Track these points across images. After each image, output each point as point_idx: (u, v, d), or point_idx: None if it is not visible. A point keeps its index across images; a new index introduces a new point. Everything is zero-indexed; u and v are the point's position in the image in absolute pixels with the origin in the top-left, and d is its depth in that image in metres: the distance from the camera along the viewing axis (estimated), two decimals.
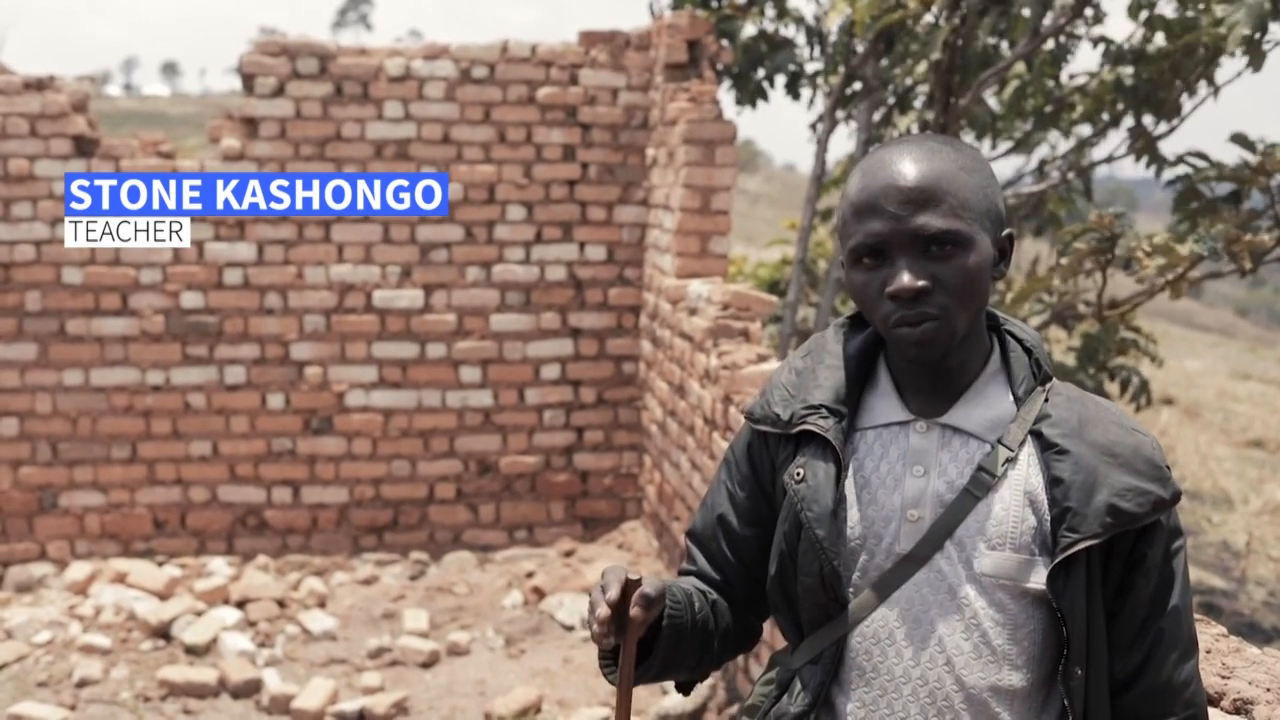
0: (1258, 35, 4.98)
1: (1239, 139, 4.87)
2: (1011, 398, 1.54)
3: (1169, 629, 1.46)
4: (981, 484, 1.48)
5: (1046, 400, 1.53)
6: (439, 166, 5.63)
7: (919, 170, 1.46)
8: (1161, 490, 1.45)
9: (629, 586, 1.47)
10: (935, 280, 1.45)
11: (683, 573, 1.75)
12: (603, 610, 1.44)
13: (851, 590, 1.54)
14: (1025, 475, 1.48)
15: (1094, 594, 1.45)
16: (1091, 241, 4.22)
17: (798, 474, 1.57)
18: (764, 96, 6.72)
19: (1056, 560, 1.43)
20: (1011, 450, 1.49)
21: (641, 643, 1.56)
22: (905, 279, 1.44)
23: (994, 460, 1.49)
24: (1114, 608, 1.47)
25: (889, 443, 1.56)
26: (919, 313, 1.45)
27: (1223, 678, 1.72)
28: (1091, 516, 1.43)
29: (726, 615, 1.69)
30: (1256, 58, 5.11)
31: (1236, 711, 1.66)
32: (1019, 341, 1.58)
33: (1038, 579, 1.45)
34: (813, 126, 6.88)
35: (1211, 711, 1.67)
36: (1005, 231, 1.54)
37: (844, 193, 1.54)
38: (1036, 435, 1.50)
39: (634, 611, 1.46)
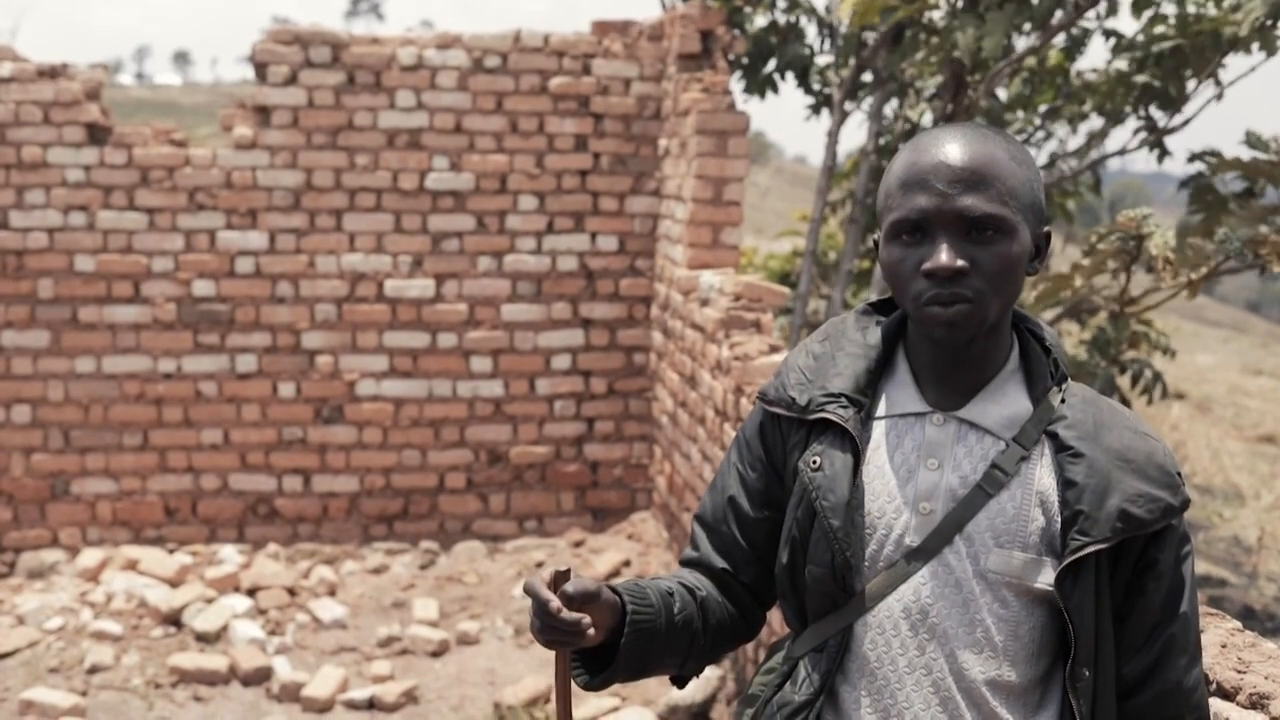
0: (1270, 23, 4.96)
1: (1252, 139, 4.85)
2: (1028, 396, 1.54)
3: (1179, 634, 1.47)
4: (995, 481, 1.48)
5: (1063, 401, 1.53)
6: (451, 156, 5.63)
7: (970, 152, 1.45)
8: (1172, 498, 1.46)
9: (556, 579, 1.47)
10: (973, 263, 1.44)
11: (685, 560, 1.74)
12: (558, 619, 1.44)
13: (860, 580, 1.54)
14: (1038, 475, 1.49)
15: (1102, 596, 1.46)
16: (1115, 243, 4.20)
17: (814, 461, 1.56)
18: (773, 87, 6.70)
19: (1065, 563, 1.43)
20: (1026, 450, 1.49)
21: (606, 646, 1.56)
22: (944, 257, 1.43)
23: (1009, 458, 1.49)
24: (1123, 611, 1.48)
25: (904, 433, 1.55)
26: (953, 293, 1.44)
27: (1239, 672, 1.71)
28: (1103, 521, 1.43)
29: (721, 610, 1.68)
30: (1269, 44, 5.09)
31: (1253, 706, 1.66)
32: (1038, 341, 1.58)
33: (1043, 579, 1.46)
34: (814, 109, 6.85)
35: (1227, 706, 1.68)
36: (1045, 228, 1.53)
37: (889, 169, 1.53)
38: (1051, 436, 1.50)
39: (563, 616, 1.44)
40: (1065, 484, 1.46)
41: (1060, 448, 1.48)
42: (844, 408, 1.56)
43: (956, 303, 1.44)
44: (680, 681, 1.70)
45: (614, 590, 1.55)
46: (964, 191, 1.44)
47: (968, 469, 1.50)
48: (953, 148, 1.46)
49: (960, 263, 1.43)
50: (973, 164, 1.44)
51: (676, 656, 1.63)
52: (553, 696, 1.51)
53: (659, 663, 1.62)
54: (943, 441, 1.52)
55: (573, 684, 1.56)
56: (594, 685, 1.59)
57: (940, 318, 1.45)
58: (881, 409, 1.59)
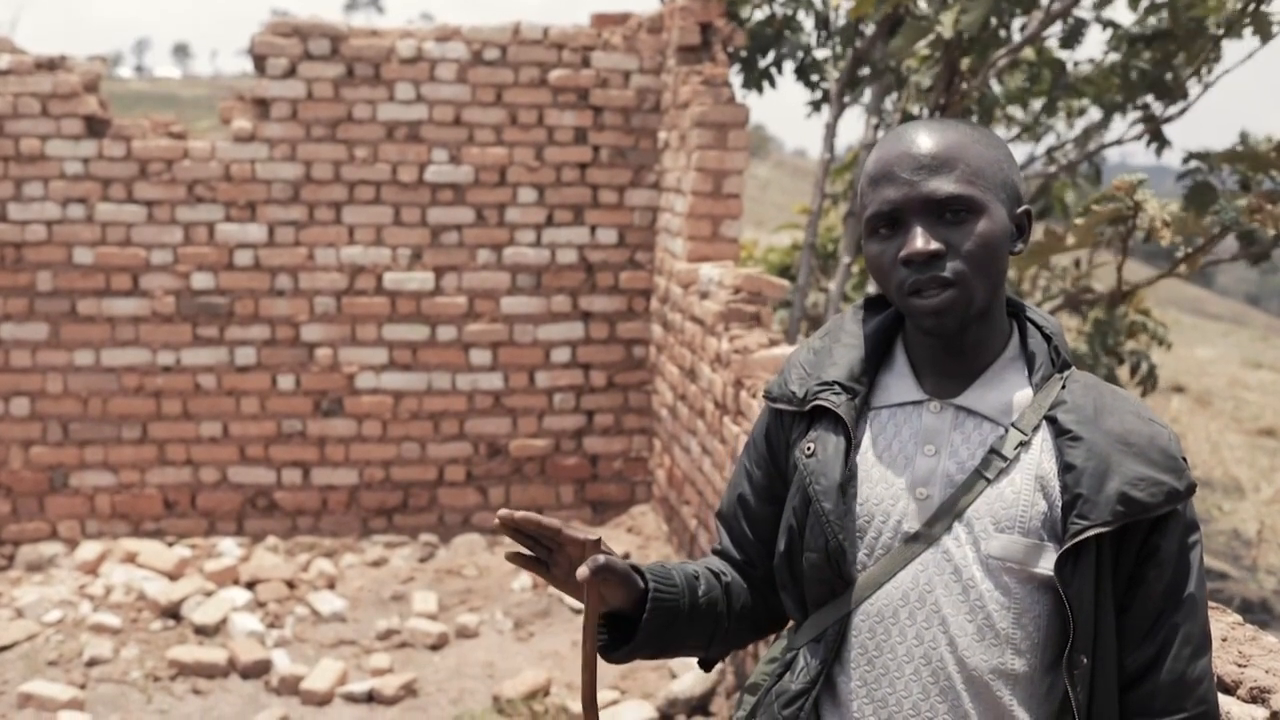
0: (1257, 5, 4.95)
1: (1245, 142, 4.85)
2: (1028, 383, 1.53)
3: (1183, 624, 1.45)
4: (993, 466, 1.48)
5: (1063, 387, 1.52)
6: (450, 148, 5.62)
7: (932, 140, 1.48)
8: (1175, 481, 1.44)
9: (589, 547, 1.52)
10: (949, 246, 1.45)
11: (713, 551, 1.79)
12: (504, 512, 1.52)
13: (857, 568, 1.54)
14: (1038, 460, 1.48)
15: (1103, 583, 1.44)
16: (1110, 207, 4.18)
17: (808, 448, 1.57)
18: (771, 82, 6.69)
19: (1065, 547, 1.42)
20: (1025, 434, 1.48)
21: (627, 622, 1.61)
22: (919, 242, 1.45)
23: (1007, 444, 1.48)
24: (1126, 600, 1.46)
25: (902, 422, 1.56)
26: (932, 277, 1.45)
27: (1239, 666, 1.71)
28: (1103, 504, 1.41)
29: (744, 595, 1.72)
30: (1262, 27, 5.08)
31: (1253, 700, 1.65)
32: (1039, 328, 1.58)
33: (1045, 564, 1.44)
34: (815, 105, 6.84)
35: (1228, 700, 1.67)
36: (1022, 208, 1.54)
37: (863, 169, 1.55)
38: (1051, 421, 1.49)
39: (580, 570, 1.49)
40: (1064, 467, 1.45)
41: (1060, 432, 1.48)
42: (836, 394, 1.57)
43: (939, 288, 1.45)
44: (706, 664, 1.76)
45: (637, 570, 1.59)
46: (929, 176, 1.46)
47: (965, 455, 1.50)
48: (915, 138, 1.49)
49: (934, 245, 1.45)
50: (934, 149, 1.47)
51: (701, 637, 1.68)
52: (580, 669, 1.53)
53: (681, 641, 1.66)
54: (939, 428, 1.52)
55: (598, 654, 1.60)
56: (617, 657, 1.64)
57: (925, 308, 1.46)
58: (879, 400, 1.59)
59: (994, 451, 1.48)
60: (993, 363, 1.54)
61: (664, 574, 1.62)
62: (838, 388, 1.58)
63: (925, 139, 1.48)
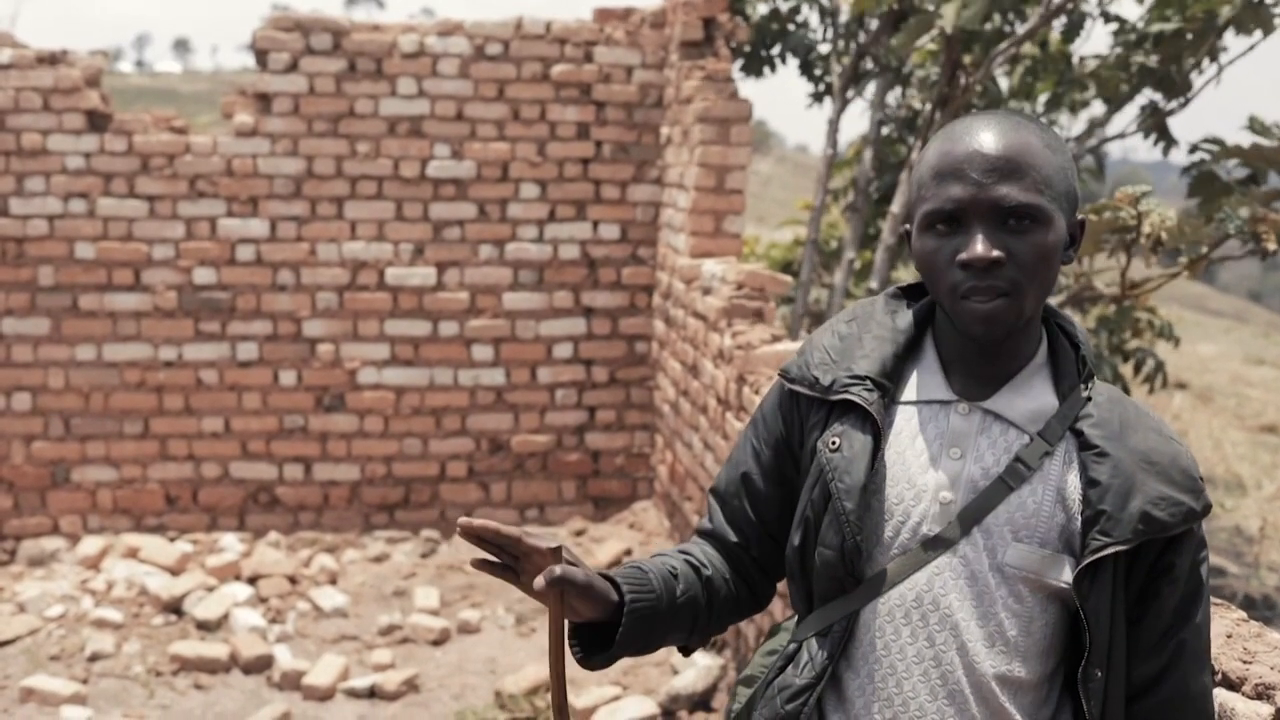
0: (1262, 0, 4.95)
1: (1255, 125, 4.83)
2: (1054, 392, 1.52)
3: (1190, 640, 1.46)
4: (1017, 475, 1.46)
5: (1089, 399, 1.51)
6: (452, 144, 5.62)
7: (1005, 141, 1.43)
8: (1194, 502, 1.44)
9: (554, 555, 1.48)
10: (1009, 253, 1.42)
11: (699, 531, 1.76)
12: (464, 520, 1.50)
13: (871, 566, 1.52)
14: (1061, 472, 1.47)
15: (1117, 598, 1.44)
16: (1111, 218, 4.17)
17: (833, 442, 1.54)
18: (771, 66, 6.68)
19: (1085, 563, 1.42)
20: (1050, 445, 1.47)
21: (606, 628, 1.58)
22: (980, 248, 1.41)
23: (1032, 453, 1.47)
24: (1136, 614, 1.46)
25: (927, 421, 1.53)
26: (989, 285, 1.41)
27: (1244, 663, 1.70)
28: (1125, 522, 1.41)
29: (725, 586, 1.69)
30: (1265, 21, 5.07)
31: (1259, 697, 1.65)
32: (1067, 336, 1.56)
33: (1060, 576, 1.44)
34: (816, 97, 6.83)
35: (1233, 696, 1.67)
36: (1079, 217, 1.51)
37: (921, 158, 1.51)
38: (1076, 433, 1.48)
39: (537, 581, 1.46)
40: (1089, 483, 1.45)
41: (1085, 446, 1.47)
42: (868, 390, 1.54)
43: (993, 295, 1.42)
44: (685, 651, 1.74)
45: (609, 578, 1.55)
46: (999, 180, 1.41)
47: (990, 460, 1.48)
48: (987, 136, 1.44)
49: (996, 253, 1.41)
50: (1007, 152, 1.42)
51: (681, 633, 1.65)
52: (550, 676, 1.52)
53: (661, 640, 1.64)
54: (966, 431, 1.50)
55: (568, 655, 1.58)
56: (594, 664, 1.61)
57: (978, 313, 1.43)
58: (906, 395, 1.56)
59: (1019, 460, 1.47)
60: (1023, 368, 1.52)
61: (639, 580, 1.58)
62: (869, 383, 1.54)
63: (997, 138, 1.43)
